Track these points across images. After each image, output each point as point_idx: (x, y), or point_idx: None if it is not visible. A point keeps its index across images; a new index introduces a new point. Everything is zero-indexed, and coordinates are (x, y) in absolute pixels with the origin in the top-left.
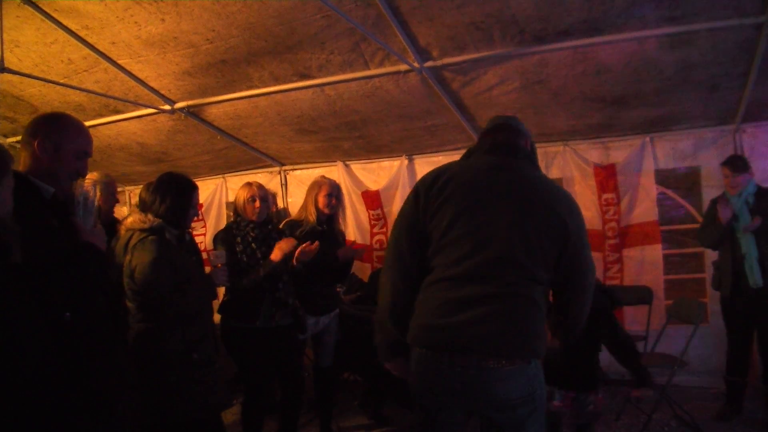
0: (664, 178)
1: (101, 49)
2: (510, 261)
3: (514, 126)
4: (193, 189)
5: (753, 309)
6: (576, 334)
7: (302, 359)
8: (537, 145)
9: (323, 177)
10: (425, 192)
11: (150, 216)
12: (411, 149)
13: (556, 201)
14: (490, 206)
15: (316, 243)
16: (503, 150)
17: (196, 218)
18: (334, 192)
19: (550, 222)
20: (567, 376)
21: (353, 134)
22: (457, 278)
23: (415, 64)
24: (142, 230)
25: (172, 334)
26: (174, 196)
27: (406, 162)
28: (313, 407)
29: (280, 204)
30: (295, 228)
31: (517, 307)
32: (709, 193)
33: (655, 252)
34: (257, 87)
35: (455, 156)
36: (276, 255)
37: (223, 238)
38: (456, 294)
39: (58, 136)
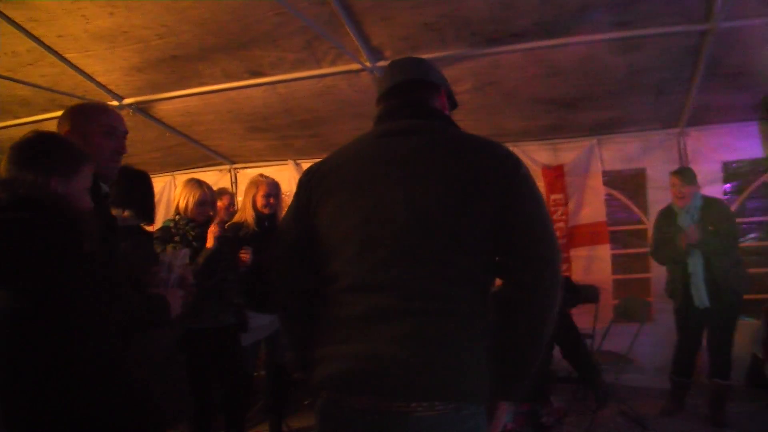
0: (610, 179)
1: (48, 43)
2: (414, 257)
3: (418, 78)
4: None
5: (704, 320)
6: (523, 380)
7: (255, 359)
8: None
9: (261, 176)
10: (306, 183)
11: (127, 213)
12: None
13: (482, 158)
14: (381, 185)
15: (243, 253)
16: (404, 112)
17: None
18: (273, 191)
19: (473, 189)
20: None
21: (306, 133)
22: (349, 289)
23: (368, 64)
24: None
25: (163, 334)
26: (142, 189)
27: None
28: (262, 408)
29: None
30: (237, 230)
31: (436, 324)
32: (654, 195)
33: (604, 252)
34: (209, 84)
35: None
36: (210, 241)
37: (161, 237)
38: (348, 311)
39: (83, 122)
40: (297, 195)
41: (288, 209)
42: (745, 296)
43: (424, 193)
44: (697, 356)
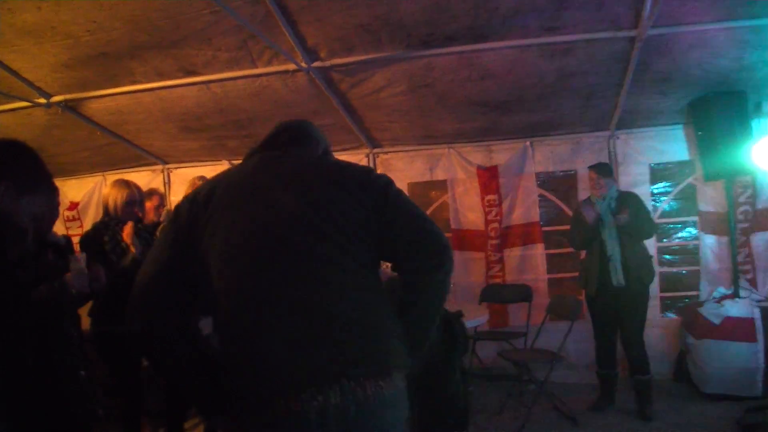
0: (543, 181)
1: None
2: (309, 254)
3: (303, 128)
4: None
5: (616, 306)
6: (423, 343)
7: None
8: (423, 147)
9: (199, 179)
10: (187, 208)
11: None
12: None
13: (348, 174)
14: (265, 200)
15: None
16: (281, 144)
17: (73, 218)
18: None
19: (343, 196)
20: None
21: (240, 133)
22: (243, 302)
23: (303, 64)
24: None
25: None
26: None
27: None
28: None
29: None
30: None
31: (352, 306)
32: (584, 196)
33: (538, 251)
34: (140, 82)
35: (342, 156)
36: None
37: (92, 237)
38: (268, 320)
39: None
40: (176, 218)
41: (162, 233)
42: (669, 294)
43: (307, 202)
44: (616, 347)
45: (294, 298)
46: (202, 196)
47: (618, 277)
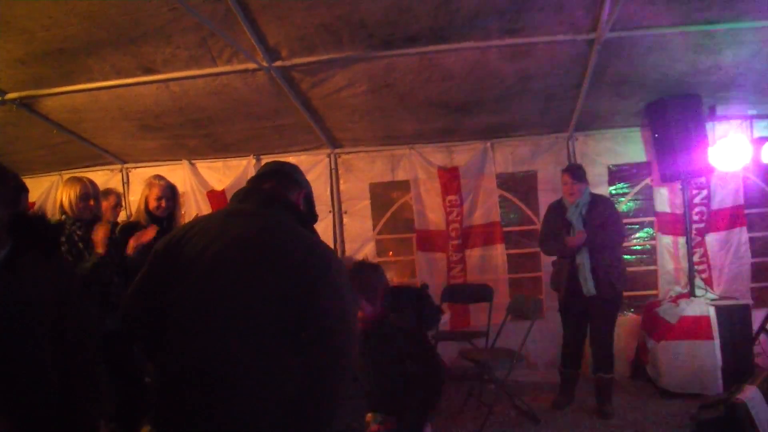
0: (503, 181)
1: None
2: (227, 329)
3: (287, 172)
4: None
5: (587, 309)
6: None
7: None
8: (384, 148)
9: (156, 178)
10: (164, 248)
11: None
12: (259, 149)
13: (293, 257)
14: (215, 261)
15: (152, 227)
16: (255, 198)
17: None
18: (166, 194)
19: (272, 282)
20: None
21: (199, 132)
22: (171, 352)
23: (264, 63)
24: None
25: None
26: None
27: (253, 162)
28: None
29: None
30: (131, 231)
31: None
32: (544, 196)
33: (498, 252)
34: (98, 80)
35: (303, 156)
36: (99, 247)
37: None
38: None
39: None
40: (153, 255)
41: (146, 264)
42: (629, 293)
43: (245, 276)
44: (583, 348)
45: (214, 369)
46: (180, 234)
47: (588, 286)
